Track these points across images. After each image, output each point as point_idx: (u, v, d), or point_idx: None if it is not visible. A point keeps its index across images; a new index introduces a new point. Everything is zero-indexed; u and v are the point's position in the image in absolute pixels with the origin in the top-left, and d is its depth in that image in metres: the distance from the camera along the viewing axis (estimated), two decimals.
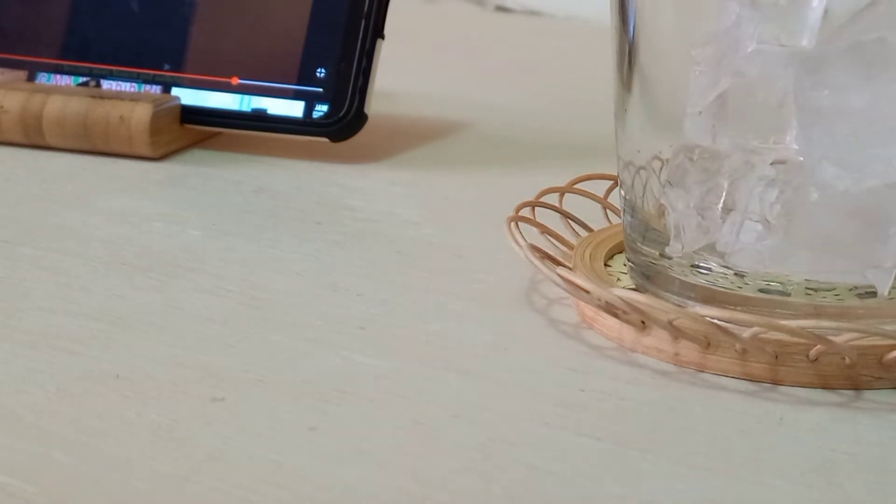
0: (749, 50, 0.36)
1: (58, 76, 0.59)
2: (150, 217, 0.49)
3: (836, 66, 0.35)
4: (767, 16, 0.36)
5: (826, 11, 0.35)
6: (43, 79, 0.59)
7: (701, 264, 0.38)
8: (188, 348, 0.37)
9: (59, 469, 0.31)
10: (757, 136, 0.37)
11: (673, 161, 0.38)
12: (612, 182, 0.46)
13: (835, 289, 0.37)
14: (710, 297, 0.38)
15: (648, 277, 0.39)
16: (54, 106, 0.55)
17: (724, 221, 0.37)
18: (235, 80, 0.57)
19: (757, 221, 0.37)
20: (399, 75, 0.66)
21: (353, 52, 0.55)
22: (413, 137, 0.60)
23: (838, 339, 0.35)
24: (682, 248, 0.38)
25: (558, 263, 0.40)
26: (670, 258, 0.38)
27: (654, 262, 0.39)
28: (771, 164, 0.37)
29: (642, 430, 0.34)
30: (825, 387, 0.36)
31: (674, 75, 0.39)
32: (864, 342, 0.35)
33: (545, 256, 0.40)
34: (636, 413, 0.34)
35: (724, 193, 0.37)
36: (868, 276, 0.36)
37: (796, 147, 0.36)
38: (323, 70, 0.56)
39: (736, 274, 0.37)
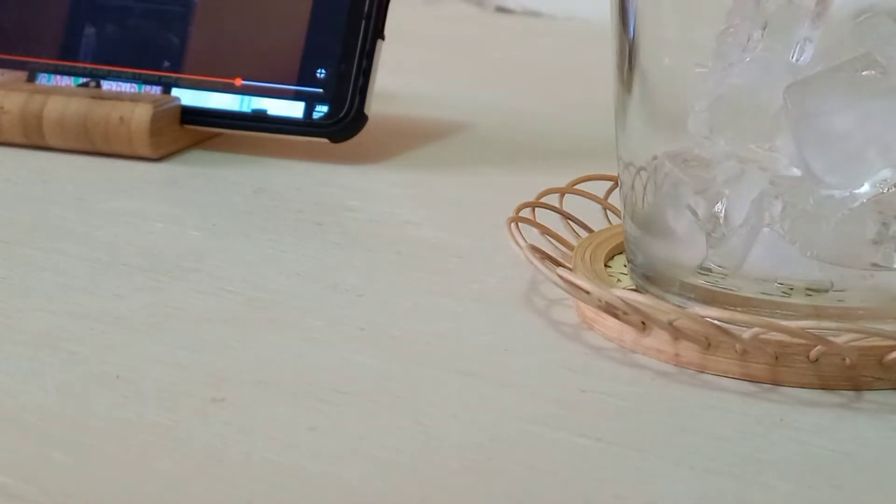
0: (748, 59, 0.36)
1: (58, 77, 0.59)
2: (151, 217, 0.49)
3: (829, 82, 0.36)
4: (769, 29, 0.36)
5: (824, 27, 0.36)
6: (43, 79, 0.59)
7: (701, 265, 0.38)
8: (188, 348, 0.37)
9: (59, 469, 0.31)
10: (753, 141, 0.37)
11: (660, 170, 0.38)
12: (612, 183, 0.46)
13: (832, 290, 0.37)
14: (710, 297, 0.38)
15: (649, 278, 0.39)
16: (54, 106, 0.55)
17: (726, 230, 0.37)
18: (235, 81, 0.57)
19: (759, 229, 0.37)
20: (399, 76, 0.66)
21: (354, 53, 0.55)
22: (413, 138, 0.60)
23: (839, 340, 0.35)
24: (692, 260, 0.38)
25: (558, 264, 0.40)
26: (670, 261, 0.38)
27: (654, 262, 0.39)
28: (767, 171, 0.37)
29: (642, 430, 0.34)
30: (825, 388, 0.36)
31: (674, 76, 0.39)
32: (865, 343, 0.35)
33: (545, 257, 0.40)
34: (636, 414, 0.34)
35: (724, 202, 0.37)
36: (868, 277, 0.36)
37: (792, 155, 0.37)
38: (323, 71, 0.56)
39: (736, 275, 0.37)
